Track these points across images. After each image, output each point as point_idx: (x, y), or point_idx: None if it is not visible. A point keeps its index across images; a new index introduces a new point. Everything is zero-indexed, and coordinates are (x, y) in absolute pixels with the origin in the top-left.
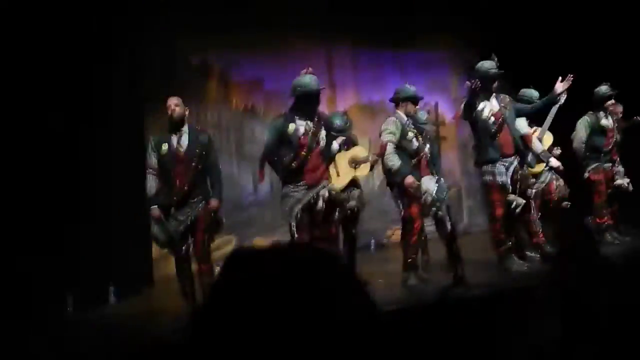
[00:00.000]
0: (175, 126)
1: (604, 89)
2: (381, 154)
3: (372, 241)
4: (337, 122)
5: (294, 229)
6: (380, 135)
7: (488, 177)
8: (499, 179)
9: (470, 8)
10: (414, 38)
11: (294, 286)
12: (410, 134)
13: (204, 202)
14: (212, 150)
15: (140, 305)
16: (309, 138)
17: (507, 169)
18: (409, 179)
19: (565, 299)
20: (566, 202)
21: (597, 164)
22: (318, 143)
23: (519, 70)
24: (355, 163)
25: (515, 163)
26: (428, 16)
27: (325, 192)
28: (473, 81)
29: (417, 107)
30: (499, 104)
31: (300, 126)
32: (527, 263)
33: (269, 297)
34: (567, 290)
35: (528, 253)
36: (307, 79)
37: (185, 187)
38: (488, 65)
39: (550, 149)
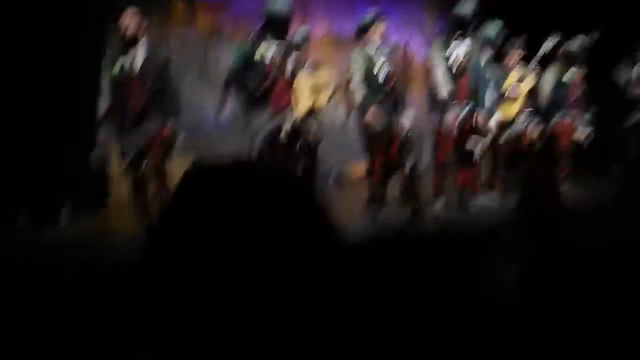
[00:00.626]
0: (130, 42)
1: (573, 44)
2: (346, 85)
3: (332, 175)
4: (300, 33)
5: (256, 156)
6: (348, 69)
7: (437, 118)
8: (447, 120)
9: None
10: None
11: (255, 200)
12: (379, 62)
13: (159, 124)
14: (170, 70)
15: (94, 227)
16: (276, 63)
17: (457, 113)
18: (370, 116)
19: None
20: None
21: (560, 116)
22: (285, 69)
23: (500, 13)
24: (317, 89)
25: (467, 109)
26: None
27: (289, 121)
28: None
29: (382, 27)
30: (468, 48)
31: (268, 51)
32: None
33: (228, 210)
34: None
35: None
36: (279, 1)
37: (139, 108)
38: (466, 7)
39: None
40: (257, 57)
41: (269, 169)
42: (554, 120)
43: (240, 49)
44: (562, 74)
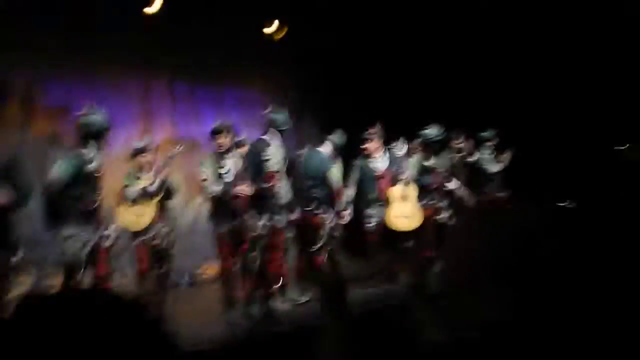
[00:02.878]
0: None
1: (431, 131)
2: (197, 189)
3: (184, 279)
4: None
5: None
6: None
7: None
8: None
9: (283, 56)
10: (231, 75)
11: (87, 331)
12: (222, 170)
13: None
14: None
15: None
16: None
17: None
18: (220, 233)
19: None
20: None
21: (424, 201)
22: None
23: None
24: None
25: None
26: (245, 56)
27: (114, 232)
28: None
29: (231, 134)
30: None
31: (95, 162)
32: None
33: (58, 341)
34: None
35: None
36: (89, 117)
37: None
38: (278, 117)
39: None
40: (88, 170)
41: (98, 297)
42: (421, 203)
43: (72, 159)
44: (424, 160)
